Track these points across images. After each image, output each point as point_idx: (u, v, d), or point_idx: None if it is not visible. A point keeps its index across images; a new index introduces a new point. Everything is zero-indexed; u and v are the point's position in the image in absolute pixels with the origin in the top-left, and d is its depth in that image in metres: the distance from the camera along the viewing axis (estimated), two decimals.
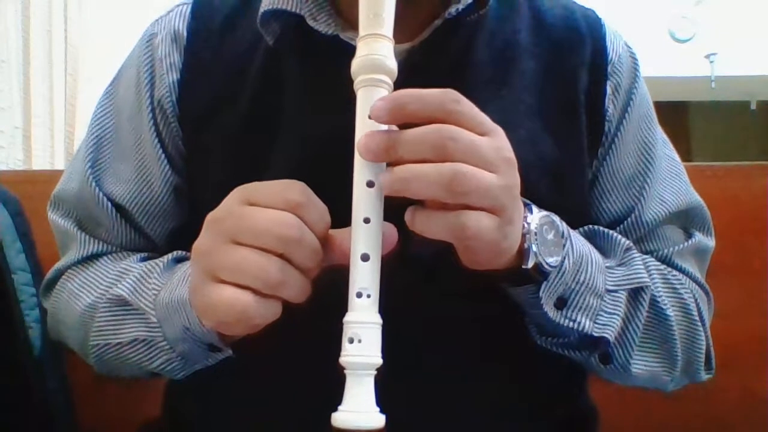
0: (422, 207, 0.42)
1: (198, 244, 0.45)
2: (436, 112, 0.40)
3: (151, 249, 0.64)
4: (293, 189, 0.42)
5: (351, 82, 0.43)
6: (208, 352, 0.52)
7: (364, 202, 0.41)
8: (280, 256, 0.41)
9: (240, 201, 0.43)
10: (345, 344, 0.40)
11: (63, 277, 0.63)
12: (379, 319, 0.41)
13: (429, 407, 0.54)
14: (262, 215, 0.41)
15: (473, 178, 0.39)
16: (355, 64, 0.43)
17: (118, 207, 0.62)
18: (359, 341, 0.40)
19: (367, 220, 0.41)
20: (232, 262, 0.41)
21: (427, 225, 0.41)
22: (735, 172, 0.97)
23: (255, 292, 0.41)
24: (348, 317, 0.41)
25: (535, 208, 0.49)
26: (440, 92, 0.41)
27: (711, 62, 3.85)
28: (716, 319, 0.64)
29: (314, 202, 0.42)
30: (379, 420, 0.40)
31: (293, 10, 0.56)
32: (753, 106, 4.80)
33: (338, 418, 0.39)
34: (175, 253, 0.59)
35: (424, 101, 0.40)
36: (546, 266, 0.48)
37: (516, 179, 0.43)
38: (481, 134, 0.41)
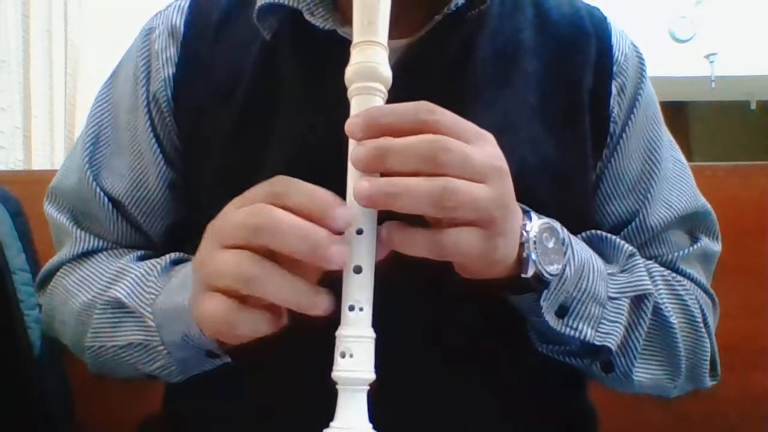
0: (399, 224, 0.41)
1: (197, 254, 0.44)
2: (410, 124, 0.39)
3: (147, 246, 0.63)
4: (275, 181, 0.41)
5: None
6: (206, 358, 0.52)
7: (357, 213, 0.40)
8: (268, 251, 0.39)
9: (232, 207, 0.42)
10: (337, 359, 0.39)
11: (58, 273, 0.62)
12: (372, 333, 0.40)
13: (426, 410, 0.54)
14: (239, 212, 0.40)
15: (463, 192, 0.38)
16: (349, 71, 0.42)
17: (115, 202, 0.61)
18: (351, 356, 0.39)
19: (360, 232, 0.40)
20: (214, 266, 0.40)
21: (405, 244, 0.40)
22: (735, 172, 0.97)
23: (243, 299, 0.40)
24: (340, 331, 0.40)
25: (534, 216, 0.48)
26: (414, 104, 0.40)
27: (711, 62, 3.85)
28: (716, 322, 0.64)
29: (296, 189, 0.40)
30: None
31: (291, 4, 0.56)
32: (753, 106, 4.80)
33: None
34: (173, 254, 0.58)
35: (397, 114, 0.40)
36: (546, 275, 0.47)
37: (509, 188, 0.42)
38: (466, 142, 0.40)
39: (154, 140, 0.61)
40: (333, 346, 0.40)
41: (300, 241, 0.38)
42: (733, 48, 3.78)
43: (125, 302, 0.55)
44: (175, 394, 0.64)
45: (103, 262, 0.60)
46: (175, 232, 0.63)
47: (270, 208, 0.39)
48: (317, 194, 0.39)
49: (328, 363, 0.40)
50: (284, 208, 0.39)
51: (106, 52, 2.40)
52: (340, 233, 0.39)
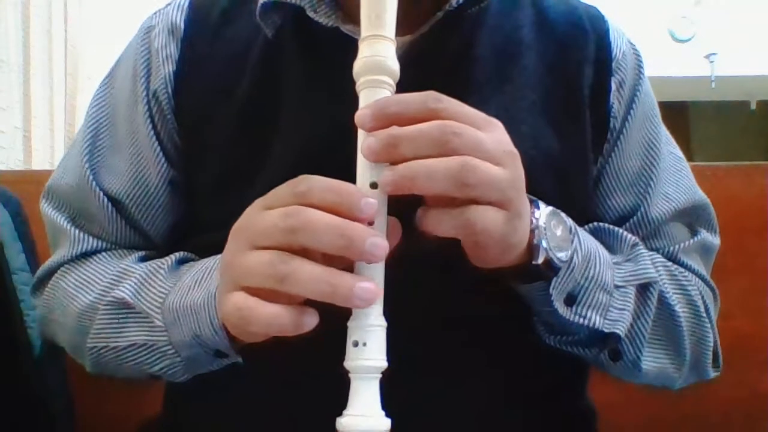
0: (425, 206, 0.42)
1: (223, 255, 0.45)
2: (418, 112, 0.40)
3: (147, 246, 0.63)
4: (298, 181, 0.41)
5: (351, 74, 0.43)
6: (215, 358, 0.52)
7: None
8: (302, 250, 0.39)
9: (257, 208, 0.43)
10: (349, 348, 0.40)
11: (56, 274, 0.62)
12: (383, 322, 0.40)
13: (427, 408, 0.53)
14: (269, 215, 0.41)
15: (481, 170, 0.39)
16: (357, 65, 0.43)
17: (115, 202, 0.61)
18: (364, 344, 0.39)
19: (371, 223, 0.40)
20: (244, 266, 0.41)
21: (435, 223, 0.41)
22: (735, 172, 0.97)
23: (269, 297, 0.40)
24: (352, 320, 0.40)
25: (542, 204, 0.49)
26: (421, 93, 0.41)
27: (711, 62, 3.86)
28: (716, 319, 0.64)
29: (320, 185, 0.40)
30: (385, 424, 0.39)
31: (293, 1, 0.56)
32: (753, 106, 4.81)
33: (343, 423, 0.39)
34: (177, 254, 0.58)
35: (404, 103, 0.40)
36: (557, 261, 0.48)
37: (520, 172, 0.43)
38: (476, 129, 0.41)
39: (154, 138, 0.60)
40: (340, 338, 0.40)
41: (338, 239, 0.38)
42: (733, 48, 3.78)
43: (130, 302, 0.55)
44: (175, 394, 0.64)
45: (104, 262, 0.60)
46: (175, 232, 0.63)
47: (302, 208, 0.39)
48: (341, 188, 0.39)
49: (337, 355, 0.40)
50: (310, 205, 0.39)
51: (106, 52, 2.40)
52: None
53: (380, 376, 0.40)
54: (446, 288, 0.52)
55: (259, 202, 0.43)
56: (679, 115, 5.16)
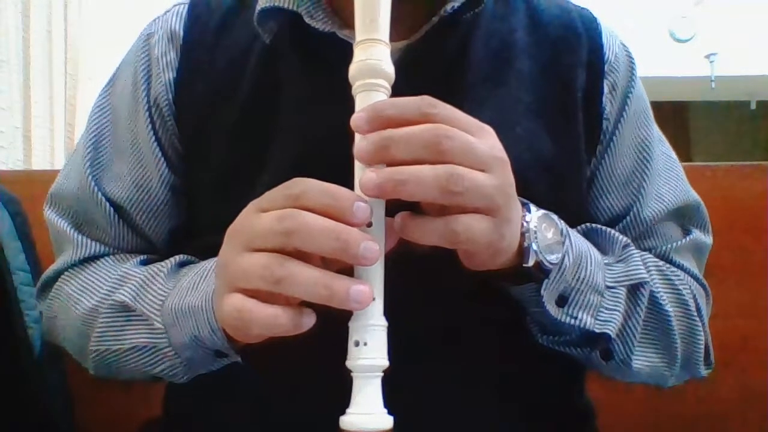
0: (411, 214, 0.42)
1: (219, 257, 0.45)
2: (413, 116, 0.40)
3: (149, 250, 0.63)
4: (291, 184, 0.42)
5: (348, 78, 0.44)
6: (215, 358, 0.52)
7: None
8: (297, 251, 0.40)
9: (252, 211, 0.43)
10: (351, 347, 0.40)
11: (59, 279, 0.62)
12: (384, 322, 0.41)
13: (428, 407, 0.54)
14: (264, 217, 0.41)
15: (469, 178, 0.39)
16: (353, 69, 0.43)
17: (117, 207, 0.62)
18: (365, 344, 0.40)
19: (369, 224, 0.41)
20: (240, 268, 0.41)
21: (418, 233, 0.41)
22: (735, 172, 0.97)
23: (265, 299, 0.40)
24: (353, 320, 0.41)
25: (533, 207, 0.49)
26: (416, 98, 0.41)
27: (711, 62, 3.86)
28: (715, 319, 0.64)
29: (314, 188, 0.40)
30: (387, 421, 0.40)
31: (290, 7, 0.57)
32: (753, 106, 4.81)
33: (346, 421, 0.40)
34: (178, 257, 0.59)
35: (399, 107, 0.41)
36: (547, 264, 0.49)
37: (510, 178, 0.43)
38: (468, 134, 0.41)
39: (155, 144, 0.61)
40: (342, 337, 0.41)
41: (333, 242, 0.38)
42: (733, 48, 3.79)
43: (131, 305, 0.55)
44: (176, 394, 0.64)
45: (106, 266, 0.60)
46: (176, 235, 0.64)
47: (297, 211, 0.39)
48: (335, 191, 0.40)
49: (338, 355, 0.40)
50: (304, 208, 0.40)
51: (106, 53, 2.40)
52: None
53: (382, 374, 0.40)
54: (441, 290, 0.52)
55: (253, 205, 0.43)
56: (679, 115, 5.16)
